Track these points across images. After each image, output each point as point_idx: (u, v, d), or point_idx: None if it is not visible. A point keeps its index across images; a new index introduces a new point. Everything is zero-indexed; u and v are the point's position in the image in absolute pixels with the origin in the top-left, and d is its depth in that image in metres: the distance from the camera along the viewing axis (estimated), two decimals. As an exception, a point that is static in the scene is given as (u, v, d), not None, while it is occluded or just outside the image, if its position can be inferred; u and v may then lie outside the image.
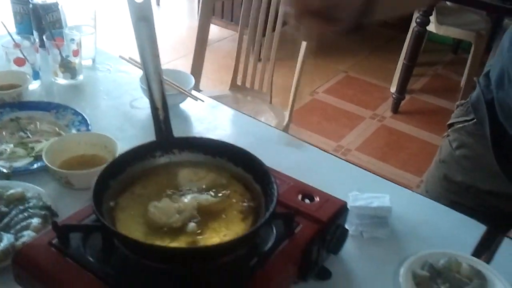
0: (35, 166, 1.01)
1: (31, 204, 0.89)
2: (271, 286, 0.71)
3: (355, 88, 3.45)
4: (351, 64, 3.82)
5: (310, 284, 0.80)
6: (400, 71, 3.14)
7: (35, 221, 0.86)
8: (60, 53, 1.31)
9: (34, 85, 1.33)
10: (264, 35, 2.08)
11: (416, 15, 2.92)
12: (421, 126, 3.07)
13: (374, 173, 1.11)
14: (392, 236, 0.92)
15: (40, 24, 1.42)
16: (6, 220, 0.86)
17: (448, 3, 3.13)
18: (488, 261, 0.88)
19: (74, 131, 1.13)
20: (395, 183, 1.07)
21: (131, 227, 0.70)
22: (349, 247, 0.88)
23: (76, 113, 1.18)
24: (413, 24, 2.97)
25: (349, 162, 1.16)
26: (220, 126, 1.25)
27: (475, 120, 1.08)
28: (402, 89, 3.15)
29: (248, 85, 2.17)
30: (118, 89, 1.35)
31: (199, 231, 0.69)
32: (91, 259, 0.70)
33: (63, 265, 0.70)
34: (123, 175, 0.77)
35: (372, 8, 0.68)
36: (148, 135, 0.81)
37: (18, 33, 1.43)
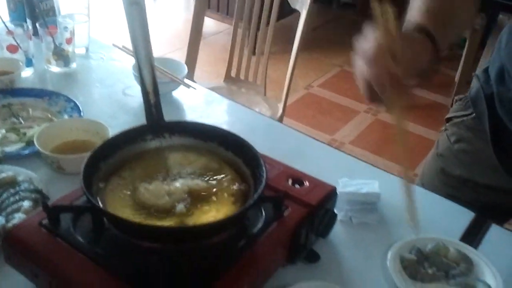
0: (27, 151, 1.01)
1: (22, 187, 0.89)
2: (259, 267, 0.72)
3: (350, 82, 3.45)
4: (346, 58, 3.82)
5: (299, 267, 0.81)
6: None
7: (26, 204, 0.86)
8: (54, 41, 1.31)
9: (27, 73, 1.33)
10: (258, 28, 2.08)
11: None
12: (415, 120, 3.08)
13: (364, 161, 1.12)
14: (381, 222, 0.93)
15: (33, 12, 1.43)
16: (-3, 203, 0.86)
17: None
18: (475, 246, 0.89)
19: (66, 117, 1.13)
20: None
21: (120, 208, 0.70)
22: (338, 232, 0.89)
23: (69, 100, 1.18)
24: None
25: (340, 150, 1.17)
26: (212, 114, 1.26)
27: (474, 114, 1.09)
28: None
29: (242, 77, 2.18)
30: (111, 77, 1.35)
31: (188, 212, 0.70)
32: (81, 239, 0.70)
33: (53, 246, 0.70)
34: (113, 157, 0.78)
35: (438, 57, 0.74)
36: (140, 122, 0.81)
37: (12, 21, 1.42)
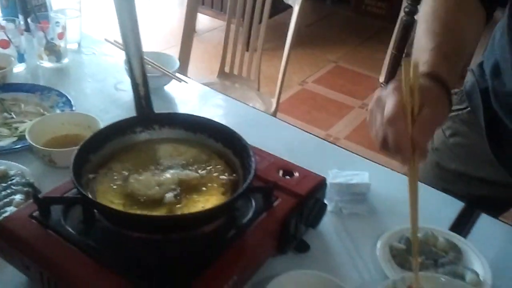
0: (19, 145, 1.02)
1: (14, 181, 0.90)
2: (248, 256, 0.72)
3: (344, 78, 3.46)
4: (340, 54, 3.84)
5: (289, 256, 0.82)
6: (389, 61, 3.15)
7: (18, 197, 0.87)
8: (45, 36, 1.31)
9: (19, 68, 1.33)
10: (251, 24, 2.08)
11: (404, 4, 2.93)
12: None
13: (355, 153, 1.12)
14: (371, 212, 0.94)
15: (25, 7, 1.43)
16: (-12, 197, 0.87)
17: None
18: (465, 236, 0.90)
19: (58, 112, 1.14)
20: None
21: (110, 198, 0.71)
22: (328, 223, 0.90)
23: (61, 95, 1.18)
24: (401, 14, 2.99)
25: (331, 142, 1.18)
26: (205, 108, 1.26)
27: (469, 108, 1.10)
28: (391, 78, 3.17)
29: (236, 72, 2.18)
30: (103, 72, 1.36)
31: (178, 202, 0.70)
32: (71, 231, 0.71)
33: (44, 237, 0.70)
34: (103, 149, 0.78)
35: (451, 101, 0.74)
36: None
37: (4, 17, 1.42)
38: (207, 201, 0.72)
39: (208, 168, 0.78)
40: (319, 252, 0.84)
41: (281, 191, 0.80)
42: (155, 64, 1.22)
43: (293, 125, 1.23)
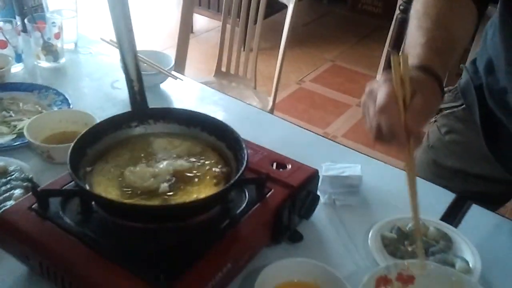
0: (18, 142, 1.03)
1: (13, 176, 0.92)
2: (242, 245, 0.74)
3: (341, 77, 3.48)
4: (338, 53, 3.86)
5: (283, 246, 0.83)
6: (385, 58, 3.17)
7: (17, 192, 0.88)
8: (42, 36, 1.33)
9: (17, 68, 1.35)
10: (247, 24, 2.10)
11: (399, 2, 2.95)
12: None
13: (348, 147, 1.14)
14: (363, 204, 0.96)
15: (22, 9, 1.45)
16: (-12, 192, 0.88)
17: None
18: (455, 225, 0.91)
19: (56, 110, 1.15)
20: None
21: (106, 190, 0.72)
22: (321, 214, 0.92)
23: (58, 93, 1.20)
24: (397, 12, 3.01)
25: (324, 137, 1.20)
26: (201, 105, 1.28)
27: (464, 105, 1.11)
28: (387, 76, 3.18)
29: (232, 71, 2.20)
30: (99, 71, 1.38)
31: (172, 193, 0.72)
32: (69, 221, 0.73)
33: (42, 228, 0.72)
34: (99, 143, 0.80)
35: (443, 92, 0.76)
36: (127, 114, 0.83)
37: (1, 18, 1.44)
38: (201, 192, 0.73)
39: (202, 160, 0.80)
40: (312, 242, 0.86)
41: (274, 183, 0.82)
42: (150, 62, 1.24)
43: (287, 121, 1.25)
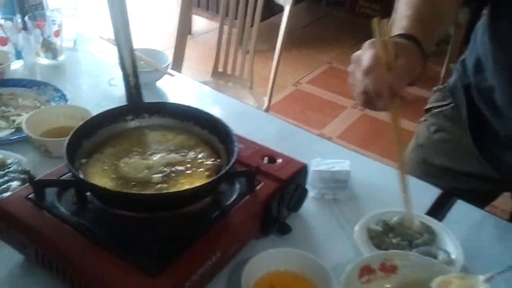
0: (16, 136, 1.06)
1: (11, 169, 0.94)
2: (231, 236, 0.77)
3: (338, 79, 3.51)
4: (335, 55, 3.89)
5: (271, 238, 0.86)
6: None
7: (15, 184, 0.91)
8: (42, 34, 1.36)
9: (17, 65, 1.38)
10: (245, 25, 2.13)
11: (396, 4, 2.98)
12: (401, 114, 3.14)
13: (338, 144, 1.17)
14: (351, 198, 0.98)
15: (23, 7, 1.47)
16: (-13, 183, 0.91)
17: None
18: (440, 219, 0.94)
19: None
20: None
21: (101, 181, 0.75)
22: (310, 207, 0.94)
23: (56, 90, 1.23)
24: (393, 14, 3.04)
25: (316, 134, 1.22)
26: (196, 102, 1.30)
27: (452, 104, 1.14)
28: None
29: (229, 72, 2.23)
30: (97, 68, 1.40)
31: (165, 184, 0.75)
32: (65, 211, 0.75)
33: (39, 217, 0.75)
34: (95, 136, 0.83)
35: (426, 60, 0.81)
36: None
37: (2, 16, 1.47)
38: (193, 183, 0.76)
39: (195, 153, 0.82)
40: (300, 234, 0.89)
41: (264, 176, 0.85)
42: (146, 59, 1.27)
43: (281, 119, 1.28)
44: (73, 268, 0.71)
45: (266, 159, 0.91)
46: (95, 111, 1.08)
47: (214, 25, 3.98)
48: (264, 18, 2.07)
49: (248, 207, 0.80)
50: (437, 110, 1.18)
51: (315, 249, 0.86)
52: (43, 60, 1.40)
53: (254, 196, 0.81)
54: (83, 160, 0.78)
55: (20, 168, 0.95)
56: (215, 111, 1.27)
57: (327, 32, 4.31)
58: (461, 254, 0.84)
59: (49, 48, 1.38)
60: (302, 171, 0.89)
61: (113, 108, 0.86)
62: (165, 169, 0.78)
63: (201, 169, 0.79)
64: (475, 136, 1.09)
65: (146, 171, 0.77)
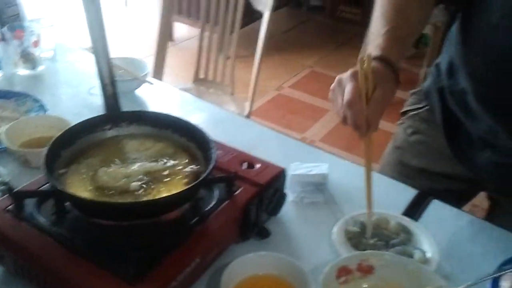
0: (-5, 148, 1.06)
1: (-10, 181, 0.94)
2: (210, 242, 0.78)
3: (320, 83, 3.54)
4: (316, 59, 3.92)
5: (251, 243, 0.87)
6: (362, 64, 3.24)
7: (-6, 195, 0.91)
8: (21, 44, 1.36)
9: (-5, 76, 1.38)
10: (225, 31, 2.15)
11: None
12: (382, 117, 3.17)
13: (316, 147, 1.19)
14: (329, 201, 1.00)
15: (1, 18, 1.47)
16: (-34, 195, 0.91)
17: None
18: (416, 219, 0.96)
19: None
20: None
21: (80, 191, 0.76)
22: (289, 211, 0.96)
23: (36, 100, 1.23)
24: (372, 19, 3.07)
25: (293, 139, 1.24)
26: (175, 110, 1.31)
27: (427, 107, 1.16)
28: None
29: (211, 78, 2.24)
30: (76, 78, 1.41)
31: (143, 192, 0.76)
32: (44, 221, 0.76)
33: (18, 228, 0.75)
34: (74, 146, 0.83)
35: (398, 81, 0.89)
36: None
37: (-21, 28, 1.47)
38: (171, 191, 0.77)
39: (173, 161, 0.83)
40: (279, 238, 0.90)
41: (242, 181, 0.86)
42: (124, 68, 1.28)
43: (260, 124, 1.30)
44: (53, 278, 0.72)
45: (245, 165, 0.92)
46: (75, 120, 1.08)
47: (196, 31, 3.99)
48: (245, 24, 2.09)
49: (227, 213, 0.81)
50: (413, 112, 1.21)
51: (295, 252, 0.88)
52: (22, 71, 1.40)
53: (233, 202, 0.83)
54: (62, 170, 0.79)
55: (0, 179, 0.95)
56: (196, 118, 1.29)
57: (308, 37, 4.35)
58: (437, 253, 0.86)
59: (28, 59, 1.38)
60: (280, 175, 0.90)
61: (91, 118, 0.86)
62: (143, 177, 0.78)
63: (179, 177, 0.80)
64: (449, 138, 1.11)
65: (124, 179, 0.77)
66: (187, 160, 0.84)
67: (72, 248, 0.72)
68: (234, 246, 0.86)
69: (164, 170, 0.81)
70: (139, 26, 4.22)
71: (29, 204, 0.78)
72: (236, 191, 0.84)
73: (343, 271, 0.76)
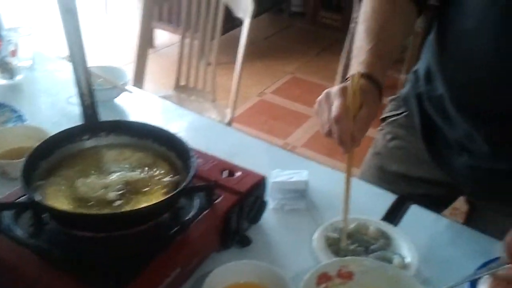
0: (-28, 160, 1.04)
1: (-33, 193, 0.93)
2: (191, 251, 0.78)
3: (301, 88, 3.56)
4: (297, 65, 3.94)
5: (232, 251, 0.87)
6: (342, 70, 3.27)
7: (-29, 208, 0.89)
8: (-3, 54, 1.35)
9: (-28, 86, 1.36)
10: (205, 38, 2.15)
11: (355, 15, 3.05)
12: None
13: (296, 154, 1.19)
14: (310, 208, 1.01)
15: (-23, 27, 1.45)
16: None
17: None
18: (395, 224, 0.97)
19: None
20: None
21: (59, 202, 0.75)
22: (270, 219, 0.96)
23: (14, 110, 1.22)
24: (351, 24, 3.11)
25: (275, 145, 1.25)
26: (157, 118, 1.31)
27: (406, 113, 1.18)
28: (345, 87, 3.27)
29: (192, 85, 2.24)
30: (55, 87, 1.40)
31: (122, 203, 0.75)
32: (22, 233, 0.75)
33: (-4, 241, 0.74)
34: (52, 157, 0.83)
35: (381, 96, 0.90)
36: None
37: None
38: (151, 201, 0.77)
39: (153, 170, 0.83)
40: (260, 245, 0.90)
41: (223, 190, 0.86)
42: (102, 76, 1.27)
43: (240, 131, 1.30)
44: (31, 290, 0.71)
45: (225, 173, 0.92)
46: (54, 130, 1.07)
47: (177, 38, 3.99)
48: (226, 30, 2.10)
49: (207, 221, 0.81)
50: (392, 119, 1.23)
51: (276, 259, 0.88)
52: (0, 81, 1.38)
53: (213, 210, 0.83)
54: (40, 182, 0.78)
55: (-24, 191, 0.93)
56: (176, 126, 1.29)
57: (290, 43, 4.37)
58: (416, 258, 0.87)
59: (6, 68, 1.37)
60: (260, 183, 0.91)
61: (69, 128, 0.86)
62: (122, 187, 0.78)
63: (158, 186, 0.80)
64: (427, 143, 1.13)
65: (102, 190, 0.77)
66: (166, 170, 0.84)
67: (51, 260, 0.71)
68: (215, 254, 0.86)
69: (143, 179, 0.81)
70: (120, 33, 4.20)
71: (7, 216, 0.77)
72: (216, 200, 0.84)
73: (323, 278, 0.77)
